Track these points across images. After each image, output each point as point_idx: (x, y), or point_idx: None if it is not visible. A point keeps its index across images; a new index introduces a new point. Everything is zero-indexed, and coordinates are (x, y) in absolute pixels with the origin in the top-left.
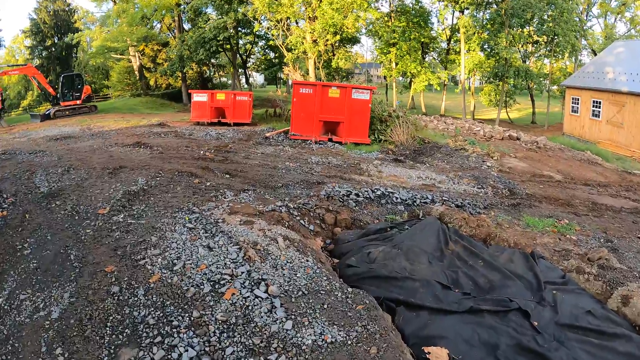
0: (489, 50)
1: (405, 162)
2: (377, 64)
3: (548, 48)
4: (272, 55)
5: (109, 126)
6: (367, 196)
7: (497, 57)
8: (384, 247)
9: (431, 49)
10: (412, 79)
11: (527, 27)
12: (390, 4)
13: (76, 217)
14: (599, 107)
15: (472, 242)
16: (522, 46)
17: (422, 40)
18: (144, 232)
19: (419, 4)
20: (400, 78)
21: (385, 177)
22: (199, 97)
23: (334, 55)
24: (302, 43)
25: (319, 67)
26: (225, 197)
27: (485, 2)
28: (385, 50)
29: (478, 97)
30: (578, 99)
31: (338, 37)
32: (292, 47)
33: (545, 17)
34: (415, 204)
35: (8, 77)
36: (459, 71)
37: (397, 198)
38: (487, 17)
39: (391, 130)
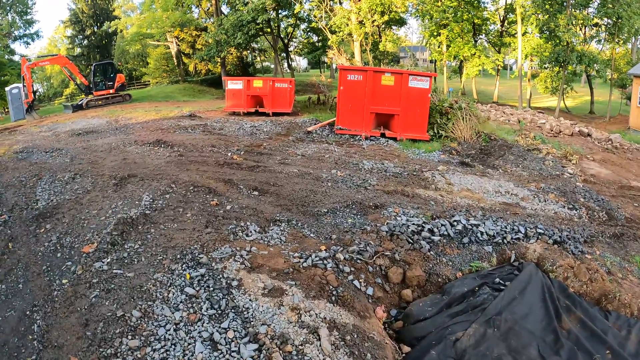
0: (547, 33)
1: (473, 166)
2: (423, 47)
3: (608, 32)
4: (315, 38)
5: (136, 118)
6: (445, 233)
7: (557, 41)
8: (475, 327)
9: (483, 31)
10: (464, 63)
11: (587, 9)
12: None
13: (58, 255)
14: None
15: (589, 312)
16: (580, 29)
17: (475, 21)
18: (127, 297)
19: None
20: (448, 62)
21: (456, 193)
22: (234, 84)
23: (380, 37)
24: (347, 25)
25: (365, 50)
26: (247, 235)
27: None
28: (435, 32)
29: (534, 84)
30: None
31: (386, 17)
32: (336, 29)
33: None
34: (505, 241)
35: (51, 66)
36: (514, 55)
37: (482, 234)
38: None
39: (453, 124)
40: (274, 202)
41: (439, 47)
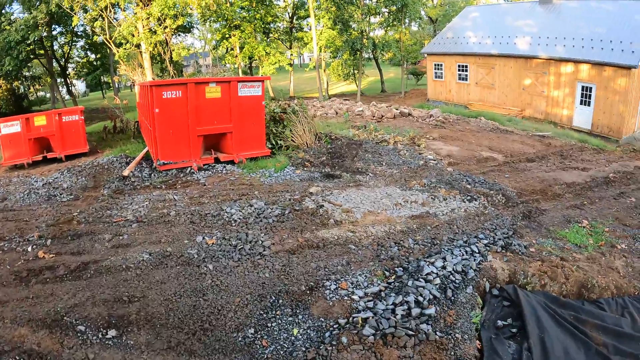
0: (341, 24)
1: (340, 176)
2: (206, 53)
3: (393, 18)
4: (93, 56)
5: None
6: (431, 296)
7: (350, 30)
8: None
9: (273, 30)
10: (260, 63)
11: None
12: None
13: None
14: (466, 71)
15: (593, 313)
16: (367, 18)
17: (268, 19)
18: None
19: None
20: (243, 64)
21: (361, 221)
22: (9, 128)
23: (167, 46)
24: (133, 35)
25: (164, 61)
26: None
27: None
28: (227, 35)
29: (328, 73)
30: (441, 65)
31: (180, 20)
32: (123, 41)
33: None
34: (472, 270)
35: None
36: (309, 49)
37: (453, 275)
38: None
39: (291, 131)
40: (158, 345)
41: (231, 49)
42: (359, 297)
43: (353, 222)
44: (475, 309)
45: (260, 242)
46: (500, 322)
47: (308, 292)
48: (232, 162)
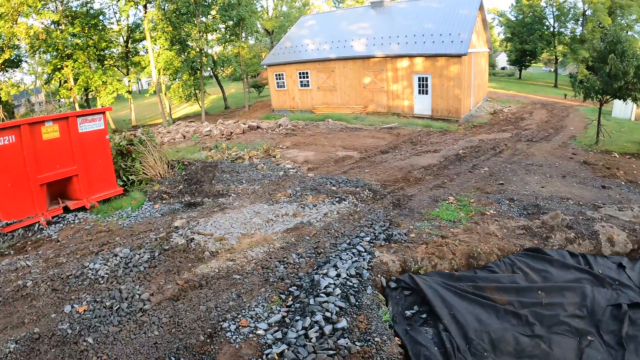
0: (179, 44)
1: (202, 203)
2: (38, 89)
3: (231, 33)
4: None
5: None
6: (336, 309)
7: (188, 50)
8: None
9: (108, 56)
10: (97, 94)
11: (209, 15)
12: (57, 7)
13: None
14: (307, 77)
15: (489, 277)
16: (205, 35)
17: (102, 45)
18: None
19: (92, 4)
20: (79, 97)
21: (238, 247)
22: None
23: None
24: None
25: None
26: None
27: None
28: (59, 66)
29: (170, 97)
30: (282, 74)
31: (7, 54)
32: None
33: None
34: (364, 270)
35: None
36: (147, 73)
37: (351, 280)
38: (172, 9)
39: (141, 163)
40: None
41: (64, 82)
42: (264, 330)
43: (230, 250)
44: (381, 307)
45: (138, 296)
46: (408, 312)
47: (208, 340)
48: (83, 209)
